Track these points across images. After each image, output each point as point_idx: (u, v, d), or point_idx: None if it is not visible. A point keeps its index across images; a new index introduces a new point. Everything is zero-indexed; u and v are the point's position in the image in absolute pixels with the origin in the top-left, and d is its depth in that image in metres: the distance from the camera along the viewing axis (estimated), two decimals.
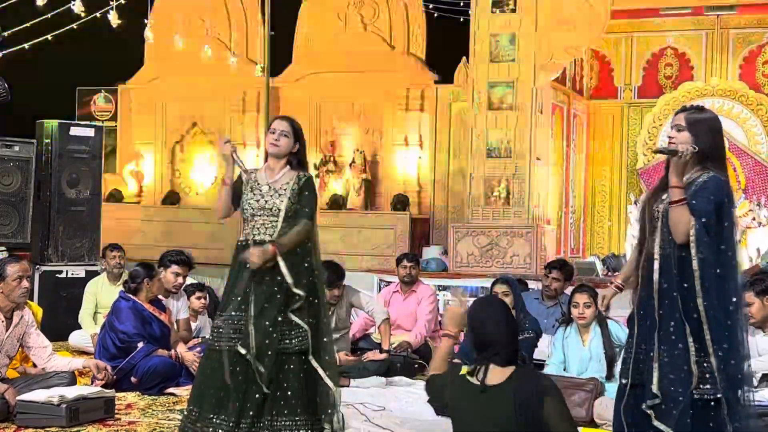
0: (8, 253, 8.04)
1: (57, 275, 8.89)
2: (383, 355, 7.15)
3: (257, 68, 11.88)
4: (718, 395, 3.57)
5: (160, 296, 6.78)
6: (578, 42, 11.34)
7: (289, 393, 4.46)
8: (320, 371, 4.50)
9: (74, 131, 9.21)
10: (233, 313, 4.54)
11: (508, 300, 6.09)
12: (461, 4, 11.22)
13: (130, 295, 6.55)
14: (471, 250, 11.08)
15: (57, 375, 5.71)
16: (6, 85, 8.14)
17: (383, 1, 13.23)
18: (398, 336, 7.58)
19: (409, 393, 6.63)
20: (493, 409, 3.66)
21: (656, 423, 3.63)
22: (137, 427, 5.30)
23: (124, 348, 6.38)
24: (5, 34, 9.27)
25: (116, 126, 14.65)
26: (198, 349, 6.46)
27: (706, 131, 3.71)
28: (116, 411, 5.55)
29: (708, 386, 3.58)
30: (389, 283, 8.86)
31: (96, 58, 13.55)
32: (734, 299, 3.61)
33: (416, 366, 7.33)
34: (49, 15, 9.52)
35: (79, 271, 8.95)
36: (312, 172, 7.22)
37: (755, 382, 5.74)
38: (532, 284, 8.70)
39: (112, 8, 9.47)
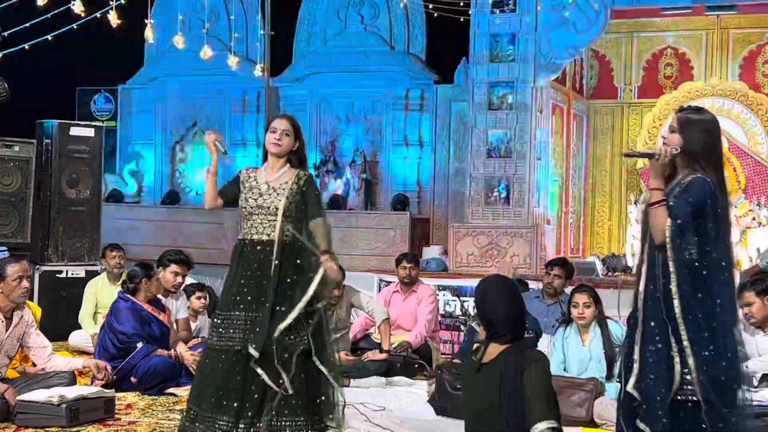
0: (9, 253, 8.04)
1: (57, 275, 8.88)
2: (383, 355, 7.16)
3: (257, 68, 11.86)
4: (712, 396, 3.57)
5: (159, 296, 6.78)
6: (578, 42, 11.35)
7: (288, 393, 4.47)
8: (324, 371, 4.51)
9: (74, 131, 9.21)
10: (236, 313, 4.55)
11: None
12: (461, 4, 11.20)
13: (129, 296, 6.55)
14: (471, 250, 11.08)
15: (57, 375, 5.71)
16: (6, 85, 8.13)
17: (383, 1, 13.23)
18: (398, 336, 7.59)
19: (409, 393, 6.64)
20: (483, 386, 3.70)
21: (639, 424, 3.65)
22: (137, 427, 5.30)
23: (123, 348, 6.38)
24: (5, 34, 9.25)
25: (116, 126, 14.65)
26: (200, 350, 6.46)
27: (697, 133, 3.71)
28: (116, 411, 5.55)
29: (690, 387, 3.58)
30: (389, 283, 8.86)
31: (96, 58, 13.55)
32: (719, 300, 3.60)
33: (416, 366, 7.33)
34: (49, 15, 9.50)
35: (79, 271, 8.95)
36: (312, 172, 7.22)
37: (755, 382, 5.74)
38: (532, 284, 8.69)
39: (112, 8, 9.45)
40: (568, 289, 6.85)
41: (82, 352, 7.64)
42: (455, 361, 6.60)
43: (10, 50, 9.66)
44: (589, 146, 13.64)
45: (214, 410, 4.46)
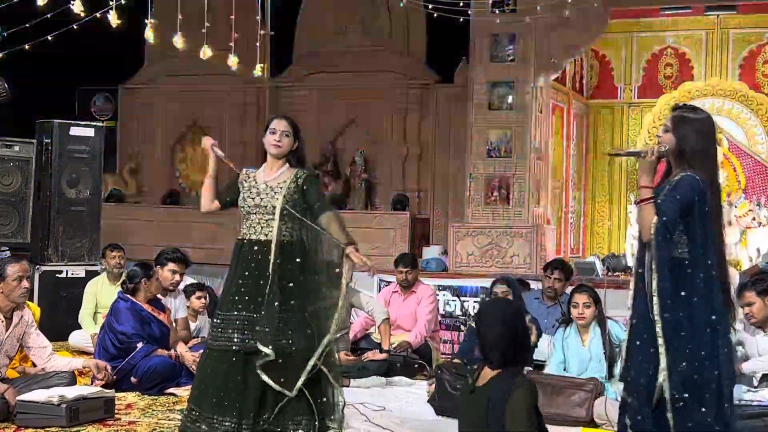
0: (10, 253, 8.05)
1: (57, 275, 8.89)
2: (383, 355, 7.16)
3: (257, 68, 11.85)
4: (684, 395, 3.58)
5: (158, 295, 6.79)
6: (578, 42, 11.34)
7: (293, 393, 4.46)
8: (325, 371, 4.51)
9: (74, 131, 9.22)
10: (234, 313, 4.55)
11: None
12: (461, 4, 11.18)
13: (129, 296, 6.55)
14: (471, 250, 11.07)
15: (57, 375, 5.71)
16: (6, 85, 8.14)
17: (383, 1, 13.22)
18: (398, 336, 7.59)
19: (409, 393, 6.64)
20: (472, 409, 3.73)
21: (626, 419, 3.70)
22: (137, 427, 5.30)
23: (123, 348, 6.38)
24: (5, 34, 9.25)
25: (116, 126, 14.64)
26: (201, 350, 6.46)
27: (689, 132, 3.72)
28: (116, 411, 5.56)
29: (671, 385, 3.60)
30: (389, 283, 8.86)
31: (96, 58, 13.53)
32: (702, 299, 3.61)
33: (416, 366, 7.33)
34: (49, 15, 9.50)
35: (79, 271, 8.95)
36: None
37: (755, 382, 5.74)
38: (533, 284, 8.68)
39: (112, 8, 9.44)
40: (568, 290, 6.85)
41: (82, 352, 7.65)
42: (455, 361, 6.60)
43: (10, 50, 9.65)
44: (589, 146, 13.64)
45: (215, 411, 4.46)
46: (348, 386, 6.47)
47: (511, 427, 3.60)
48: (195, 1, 9.62)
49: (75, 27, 9.83)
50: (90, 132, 9.36)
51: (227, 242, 6.04)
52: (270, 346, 4.39)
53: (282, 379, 4.42)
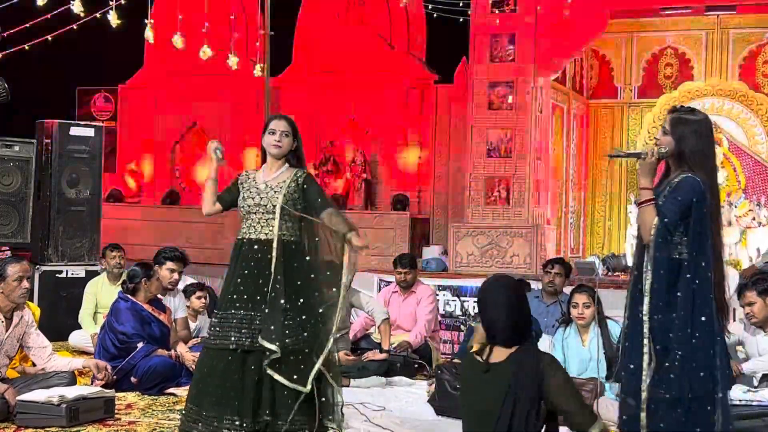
0: (11, 253, 8.05)
1: (57, 275, 8.89)
2: (383, 355, 7.15)
3: (257, 68, 11.85)
4: (674, 394, 3.59)
5: (158, 295, 6.79)
6: (578, 42, 11.34)
7: (285, 392, 4.46)
8: (324, 371, 4.51)
9: (74, 131, 9.22)
10: (233, 311, 4.55)
11: None
12: (461, 4, 11.20)
13: (129, 296, 6.55)
14: (471, 250, 11.07)
15: (57, 375, 5.71)
16: (6, 85, 8.14)
17: (383, 1, 13.22)
18: (398, 336, 7.58)
19: (409, 393, 6.64)
20: (492, 387, 3.73)
21: (622, 415, 3.73)
22: (137, 427, 5.30)
23: (123, 348, 6.38)
24: (5, 34, 9.26)
25: (116, 126, 14.64)
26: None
27: (687, 134, 3.73)
28: (116, 411, 5.56)
29: (664, 385, 3.60)
30: (389, 283, 8.85)
31: (96, 58, 13.54)
32: (698, 302, 3.61)
33: (416, 366, 7.34)
34: (49, 15, 9.50)
35: (79, 271, 8.95)
36: (312, 172, 7.23)
37: (755, 382, 5.74)
38: (533, 284, 8.67)
39: (112, 8, 9.45)
40: (568, 289, 6.85)
41: (82, 352, 7.65)
42: (455, 361, 6.60)
43: (10, 50, 9.66)
44: (589, 146, 13.64)
45: (214, 410, 4.46)
46: (348, 386, 6.47)
47: (563, 391, 3.69)
48: (195, 1, 9.62)
49: (75, 27, 9.84)
50: (90, 132, 9.36)
51: (227, 242, 6.05)
52: (276, 344, 4.39)
53: (294, 376, 4.42)
